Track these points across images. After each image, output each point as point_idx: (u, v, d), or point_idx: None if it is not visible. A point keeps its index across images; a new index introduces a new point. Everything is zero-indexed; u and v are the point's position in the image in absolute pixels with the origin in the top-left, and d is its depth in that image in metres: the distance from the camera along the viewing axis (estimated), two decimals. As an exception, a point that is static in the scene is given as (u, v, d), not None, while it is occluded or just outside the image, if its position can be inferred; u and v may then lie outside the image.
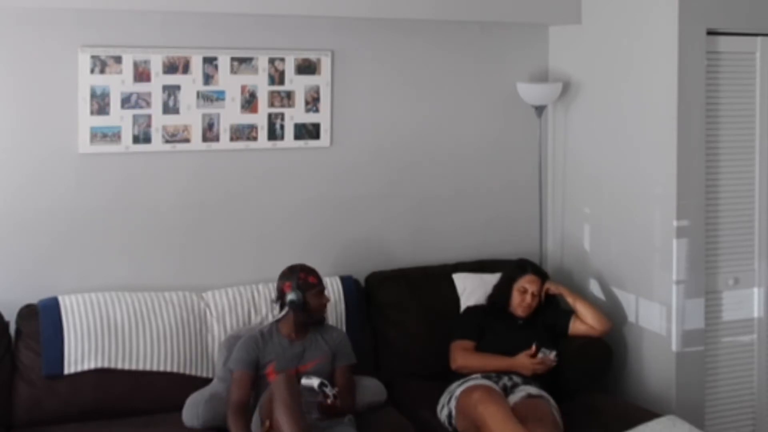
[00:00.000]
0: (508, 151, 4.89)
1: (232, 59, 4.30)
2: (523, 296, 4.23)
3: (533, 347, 4.04)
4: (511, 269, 4.35)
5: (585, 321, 4.22)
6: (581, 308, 4.25)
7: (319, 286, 3.86)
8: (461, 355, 4.11)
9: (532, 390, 3.89)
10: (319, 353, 3.85)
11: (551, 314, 4.31)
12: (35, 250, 4.05)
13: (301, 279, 3.85)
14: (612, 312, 4.46)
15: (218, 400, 3.79)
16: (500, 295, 4.30)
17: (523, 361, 4.02)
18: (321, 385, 3.53)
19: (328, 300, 3.93)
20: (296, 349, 3.83)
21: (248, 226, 4.41)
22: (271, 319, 4.09)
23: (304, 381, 3.58)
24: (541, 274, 4.34)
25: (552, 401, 3.86)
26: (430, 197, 4.74)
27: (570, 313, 4.29)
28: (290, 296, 3.81)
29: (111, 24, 4.09)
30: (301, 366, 3.79)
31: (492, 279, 4.43)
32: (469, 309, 4.37)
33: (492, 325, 4.21)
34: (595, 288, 4.65)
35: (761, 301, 4.37)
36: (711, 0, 4.14)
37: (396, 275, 4.49)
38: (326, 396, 3.51)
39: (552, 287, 4.32)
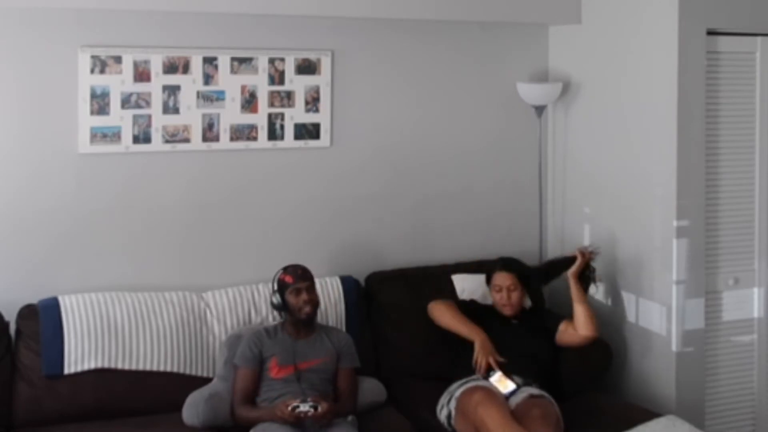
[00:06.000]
0: (508, 151, 4.89)
1: (232, 59, 4.30)
2: (500, 294, 4.20)
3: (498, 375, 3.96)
4: (486, 271, 4.34)
5: (576, 321, 4.15)
6: (579, 308, 4.18)
7: (295, 285, 3.81)
8: (439, 304, 4.19)
9: (534, 390, 3.88)
10: (324, 352, 3.85)
11: (545, 317, 4.29)
12: (35, 250, 4.05)
13: (280, 280, 3.86)
14: (612, 312, 4.46)
15: (218, 399, 3.79)
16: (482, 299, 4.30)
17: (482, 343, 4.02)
18: (312, 407, 3.52)
19: (309, 298, 3.82)
20: (300, 345, 3.84)
21: (248, 226, 4.40)
22: (271, 319, 4.10)
23: (301, 409, 3.54)
24: (512, 269, 4.28)
25: (553, 401, 3.86)
26: (430, 197, 4.74)
27: (558, 318, 4.24)
28: (271, 299, 3.87)
29: (111, 24, 4.09)
30: (303, 362, 3.79)
31: (492, 279, 4.42)
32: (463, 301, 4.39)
33: (487, 325, 4.17)
34: (595, 288, 4.63)
35: (761, 301, 4.37)
36: (711, 0, 4.14)
37: (396, 275, 4.49)
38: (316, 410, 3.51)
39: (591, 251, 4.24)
